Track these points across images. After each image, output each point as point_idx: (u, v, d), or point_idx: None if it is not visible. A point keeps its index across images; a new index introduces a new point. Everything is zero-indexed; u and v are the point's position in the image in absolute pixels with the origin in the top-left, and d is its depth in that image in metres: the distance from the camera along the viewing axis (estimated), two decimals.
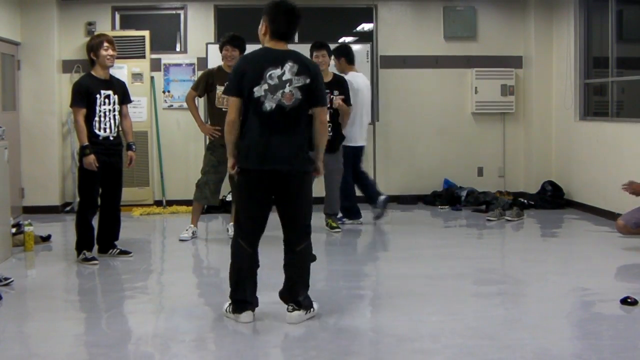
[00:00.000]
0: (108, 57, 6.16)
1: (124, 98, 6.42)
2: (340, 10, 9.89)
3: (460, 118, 9.78)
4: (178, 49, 9.55)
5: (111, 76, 6.35)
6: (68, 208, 9.09)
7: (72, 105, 6.15)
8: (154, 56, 9.26)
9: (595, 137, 8.45)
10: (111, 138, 6.21)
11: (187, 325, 4.63)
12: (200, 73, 7.82)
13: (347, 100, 7.40)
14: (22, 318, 4.93)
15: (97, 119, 6.12)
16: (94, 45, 6.18)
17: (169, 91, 9.36)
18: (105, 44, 6.15)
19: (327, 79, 7.41)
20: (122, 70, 9.03)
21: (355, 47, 9.51)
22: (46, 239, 7.15)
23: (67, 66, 9.24)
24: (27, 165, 8.95)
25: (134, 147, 6.45)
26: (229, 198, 8.16)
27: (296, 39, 9.45)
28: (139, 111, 9.09)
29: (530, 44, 9.57)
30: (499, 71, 9.64)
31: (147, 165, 9.19)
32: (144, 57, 9.11)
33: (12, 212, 6.87)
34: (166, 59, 9.36)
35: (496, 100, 9.66)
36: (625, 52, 8.51)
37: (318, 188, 7.53)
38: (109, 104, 6.20)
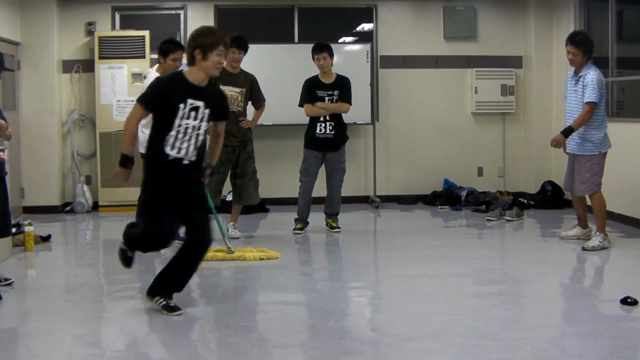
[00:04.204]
0: (218, 65, 4.64)
1: (220, 113, 4.86)
2: (340, 10, 9.89)
3: (460, 118, 9.78)
4: None
5: (209, 83, 4.80)
6: (68, 208, 9.10)
7: (138, 100, 4.71)
8: (154, 56, 9.20)
9: None
10: (185, 162, 4.61)
11: (187, 325, 4.63)
12: None
13: (347, 98, 7.40)
14: (22, 318, 4.93)
15: (172, 133, 4.58)
16: (206, 44, 4.58)
17: None
18: (220, 48, 4.61)
19: (331, 79, 7.42)
20: (122, 70, 9.06)
21: (355, 47, 9.55)
22: (46, 239, 7.15)
23: (67, 66, 9.24)
24: (27, 165, 8.94)
25: (210, 171, 4.89)
26: (229, 198, 8.16)
27: (296, 39, 9.47)
28: None
29: (530, 44, 9.57)
30: (499, 71, 9.64)
31: None
32: (144, 57, 9.10)
33: (12, 212, 6.87)
34: None
35: (496, 100, 9.66)
36: (625, 52, 8.51)
37: (319, 187, 7.58)
38: (195, 118, 4.63)
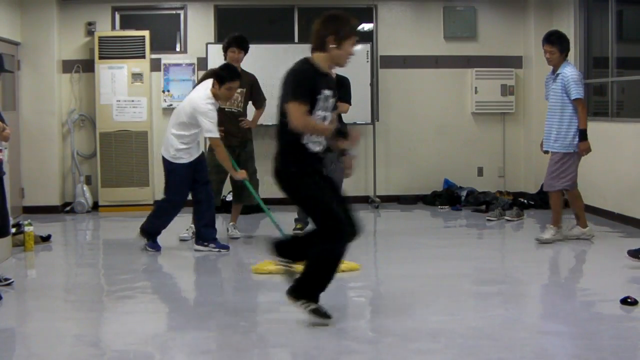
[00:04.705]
0: (349, 56, 4.45)
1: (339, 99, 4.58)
2: (340, 10, 9.87)
3: (460, 118, 9.77)
4: (178, 49, 9.55)
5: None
6: (68, 208, 9.10)
7: (294, 99, 4.27)
8: (154, 56, 9.26)
9: (595, 137, 8.41)
10: (321, 154, 4.53)
11: (187, 325, 4.63)
12: (202, 73, 7.81)
13: (347, 99, 7.40)
14: (22, 318, 4.93)
15: None
16: (343, 32, 4.34)
17: (168, 90, 9.36)
18: (354, 38, 4.38)
19: None
20: (122, 70, 9.06)
21: (355, 47, 9.51)
22: (46, 239, 7.15)
23: (67, 66, 9.24)
24: (27, 165, 8.94)
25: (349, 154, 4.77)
26: (229, 198, 8.16)
27: (296, 39, 9.47)
28: (139, 111, 9.10)
29: (530, 44, 9.57)
30: (499, 71, 9.64)
31: (147, 166, 9.18)
32: (144, 57, 9.11)
33: (12, 212, 6.86)
34: (166, 59, 9.36)
35: (496, 100, 9.66)
36: (625, 52, 8.51)
37: None
38: (326, 109, 4.42)
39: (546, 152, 7.02)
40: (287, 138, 4.35)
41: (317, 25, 4.31)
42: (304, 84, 4.23)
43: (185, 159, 6.47)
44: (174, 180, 6.55)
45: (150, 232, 6.71)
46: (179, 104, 6.68)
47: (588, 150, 6.76)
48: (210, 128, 6.23)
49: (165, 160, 6.57)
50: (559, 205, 6.93)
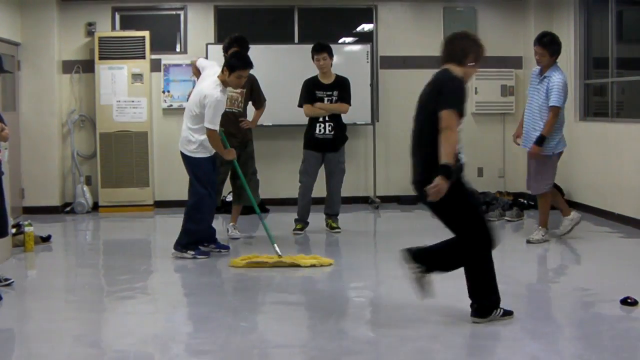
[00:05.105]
0: (472, 77, 4.63)
1: None
2: (340, 10, 9.89)
3: None
4: (178, 50, 9.55)
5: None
6: (68, 209, 9.10)
7: (453, 108, 4.42)
8: (154, 56, 9.26)
9: (595, 138, 8.45)
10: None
11: (187, 325, 4.64)
12: None
13: (347, 99, 7.42)
14: (22, 318, 4.93)
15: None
16: (480, 55, 4.50)
17: (168, 91, 9.36)
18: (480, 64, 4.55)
19: (330, 80, 7.44)
20: (122, 71, 9.06)
21: (355, 48, 9.56)
22: (46, 239, 7.15)
23: (67, 67, 9.24)
24: (27, 165, 8.95)
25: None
26: (229, 198, 8.16)
27: (296, 39, 9.48)
28: (139, 111, 9.10)
29: (530, 44, 9.52)
30: (499, 71, 9.65)
31: (147, 166, 9.18)
32: (144, 57, 9.11)
33: (12, 212, 6.86)
34: (166, 59, 9.36)
35: (496, 101, 9.66)
36: (625, 53, 8.51)
37: (319, 188, 7.58)
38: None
39: (519, 144, 7.05)
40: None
41: (458, 39, 4.48)
42: (464, 96, 4.36)
43: (209, 149, 6.39)
44: (202, 174, 6.37)
45: (188, 242, 6.40)
46: (190, 99, 6.54)
47: (537, 156, 6.72)
48: (212, 119, 6.18)
49: (185, 157, 6.44)
50: (548, 206, 6.96)
